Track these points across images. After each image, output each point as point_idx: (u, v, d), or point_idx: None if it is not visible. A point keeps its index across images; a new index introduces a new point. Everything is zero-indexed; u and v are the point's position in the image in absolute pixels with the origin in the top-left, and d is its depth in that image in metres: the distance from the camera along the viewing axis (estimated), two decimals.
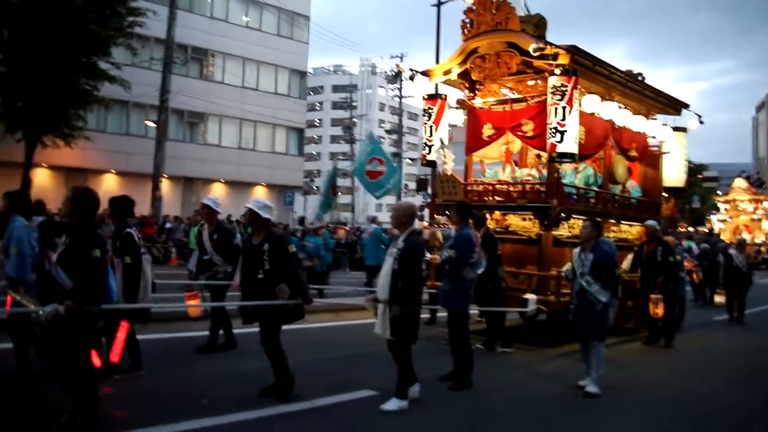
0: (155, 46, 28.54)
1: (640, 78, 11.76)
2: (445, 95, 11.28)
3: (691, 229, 34.12)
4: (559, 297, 9.50)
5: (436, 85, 11.79)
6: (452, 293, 7.33)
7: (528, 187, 10.28)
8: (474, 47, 10.46)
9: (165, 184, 28.61)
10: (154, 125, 27.68)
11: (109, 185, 29.27)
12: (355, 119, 55.25)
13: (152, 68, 27.59)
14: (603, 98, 10.43)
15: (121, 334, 6.37)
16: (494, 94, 11.04)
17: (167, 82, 26.91)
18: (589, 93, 10.13)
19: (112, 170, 29.80)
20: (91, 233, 5.02)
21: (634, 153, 11.54)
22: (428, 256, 11.04)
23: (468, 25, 10.44)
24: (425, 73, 11.04)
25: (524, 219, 10.32)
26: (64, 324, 4.65)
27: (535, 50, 9.23)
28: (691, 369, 9.18)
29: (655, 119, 12.04)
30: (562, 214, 9.77)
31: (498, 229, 10.29)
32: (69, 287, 4.82)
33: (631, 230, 11.64)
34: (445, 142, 10.75)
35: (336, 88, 78.50)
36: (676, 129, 12.35)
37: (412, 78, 10.96)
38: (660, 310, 9.95)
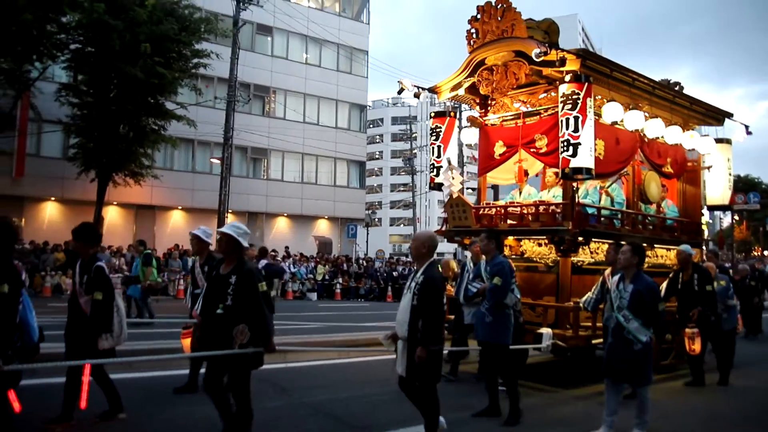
0: (219, 86, 28.57)
1: (677, 88, 10.33)
2: (454, 112, 10.22)
3: (766, 252, 31.13)
4: (576, 331, 8.18)
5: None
6: (495, 324, 6.67)
7: (542, 208, 8.95)
8: (481, 58, 9.28)
9: (230, 219, 28.55)
10: (219, 162, 27.82)
11: (176, 221, 29.51)
12: (415, 151, 54.21)
13: (216, 107, 27.60)
14: (627, 108, 9.12)
15: (86, 378, 5.46)
16: (507, 109, 9.79)
17: (231, 120, 26.96)
18: (611, 102, 8.80)
19: (179, 207, 29.76)
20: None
21: (668, 169, 9.94)
22: None
23: (474, 36, 9.36)
24: (433, 90, 10.01)
25: (540, 244, 9.01)
26: None
27: (537, 55, 8.00)
28: (741, 412, 7.62)
29: (692, 132, 10.37)
30: (580, 238, 8.44)
31: (513, 256, 9.04)
32: None
33: (668, 255, 10.00)
34: (453, 162, 9.61)
35: (395, 120, 76.82)
36: (718, 141, 10.69)
37: (417, 96, 9.92)
38: (697, 346, 8.32)
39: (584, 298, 8.13)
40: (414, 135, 58.39)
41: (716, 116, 10.78)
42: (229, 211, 27.83)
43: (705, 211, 11.82)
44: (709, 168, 10.54)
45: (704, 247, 11.10)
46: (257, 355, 5.22)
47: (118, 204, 27.35)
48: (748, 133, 10.62)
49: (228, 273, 5.14)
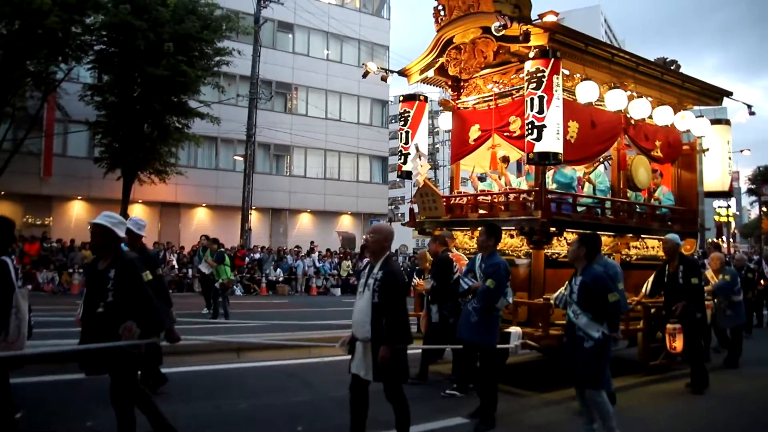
0: (241, 83, 28.03)
1: (673, 67, 9.26)
2: (425, 96, 9.36)
3: None
4: (546, 329, 7.30)
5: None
6: (480, 325, 6.14)
7: (512, 197, 8.06)
8: (449, 37, 8.40)
9: (253, 216, 28.24)
10: (242, 159, 27.46)
11: (200, 219, 29.24)
12: (437, 145, 52.76)
13: (239, 104, 27.19)
14: (609, 87, 8.16)
15: None
16: (480, 91, 8.86)
17: (253, 117, 26.67)
18: (586, 80, 7.85)
19: (203, 204, 29.38)
20: None
21: (658, 153, 8.85)
22: (415, 280, 9.19)
23: (440, 13, 8.52)
24: (403, 73, 9.18)
25: (512, 236, 8.11)
26: None
27: (497, 29, 7.08)
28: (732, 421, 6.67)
29: (683, 113, 9.23)
30: (552, 228, 7.55)
31: None
32: None
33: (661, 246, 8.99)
34: (421, 149, 8.78)
35: None
36: (715, 122, 9.56)
37: (384, 79, 9.14)
38: (678, 344, 7.36)
39: (555, 294, 7.23)
40: (436, 130, 57.17)
41: (713, 95, 9.61)
42: (253, 207, 27.50)
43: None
44: (705, 151, 9.43)
45: (707, 238, 9.99)
46: (154, 349, 4.60)
47: (144, 202, 27.17)
48: (751, 113, 9.50)
49: (106, 267, 4.49)
